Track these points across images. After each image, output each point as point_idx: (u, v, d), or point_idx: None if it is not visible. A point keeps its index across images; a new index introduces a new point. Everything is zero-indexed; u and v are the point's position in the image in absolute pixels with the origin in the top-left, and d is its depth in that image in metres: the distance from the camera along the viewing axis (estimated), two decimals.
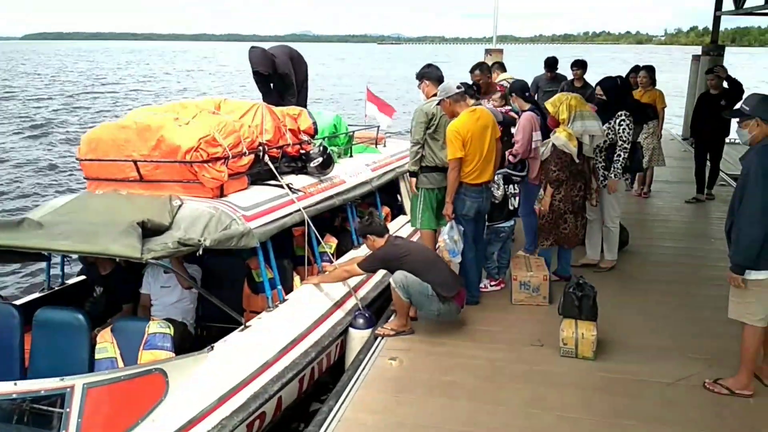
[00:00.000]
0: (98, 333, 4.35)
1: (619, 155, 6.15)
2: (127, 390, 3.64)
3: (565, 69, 10.44)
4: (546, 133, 6.16)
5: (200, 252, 4.13)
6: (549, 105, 5.87)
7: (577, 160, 5.78)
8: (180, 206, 4.44)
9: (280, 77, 7.44)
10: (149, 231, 4.03)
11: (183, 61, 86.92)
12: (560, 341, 4.82)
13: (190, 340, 4.78)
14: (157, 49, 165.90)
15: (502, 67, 8.81)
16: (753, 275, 3.99)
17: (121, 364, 4.16)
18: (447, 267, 5.29)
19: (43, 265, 5.40)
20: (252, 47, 7.38)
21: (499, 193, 5.90)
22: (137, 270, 5.17)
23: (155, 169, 4.73)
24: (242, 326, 4.44)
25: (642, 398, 4.27)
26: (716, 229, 7.97)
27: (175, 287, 4.94)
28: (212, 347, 4.10)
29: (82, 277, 5.48)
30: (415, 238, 6.59)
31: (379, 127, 8.24)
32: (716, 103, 8.93)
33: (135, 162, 4.69)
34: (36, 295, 5.15)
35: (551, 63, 9.75)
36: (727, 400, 4.20)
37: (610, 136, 6.17)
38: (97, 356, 4.22)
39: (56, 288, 5.25)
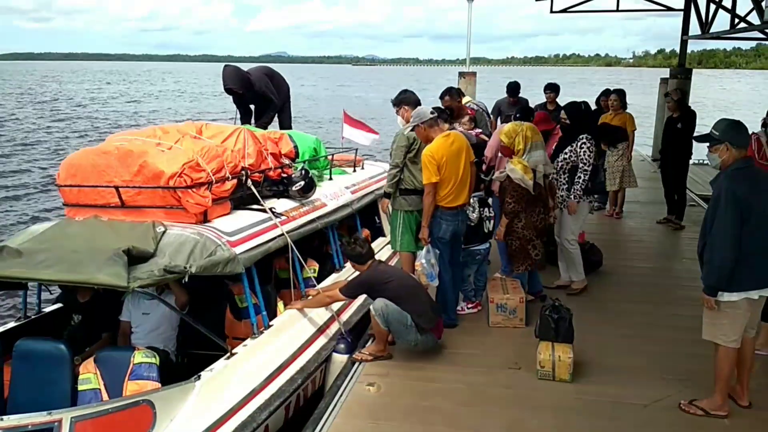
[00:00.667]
0: (81, 363, 4.28)
1: (580, 177, 6.20)
2: (115, 422, 3.59)
3: (537, 93, 10.59)
4: None
5: (186, 279, 4.08)
6: (504, 136, 5.86)
7: (534, 192, 5.83)
8: (164, 232, 4.39)
9: (256, 95, 7.42)
10: (134, 258, 3.99)
11: (161, 82, 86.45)
12: (537, 364, 4.84)
13: (172, 368, 4.71)
14: (134, 69, 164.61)
15: (460, 93, 8.80)
16: (725, 297, 4.05)
17: (104, 395, 4.11)
18: (428, 297, 5.31)
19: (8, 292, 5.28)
20: (225, 65, 7.39)
21: (474, 215, 5.93)
22: (116, 297, 5.08)
23: (137, 194, 4.68)
24: (228, 354, 4.38)
25: (619, 420, 4.31)
26: (688, 249, 8.10)
27: (156, 314, 4.86)
28: (199, 376, 4.04)
29: (59, 305, 5.37)
30: (394, 261, 6.58)
31: (357, 150, 8.26)
32: (674, 126, 9.09)
33: (117, 188, 4.64)
34: (12, 324, 5.03)
35: (513, 88, 9.79)
36: (702, 421, 4.25)
37: (572, 159, 6.23)
38: (80, 387, 4.16)
39: (33, 317, 5.13)
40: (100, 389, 4.12)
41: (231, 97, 7.68)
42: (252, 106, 7.77)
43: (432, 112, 5.60)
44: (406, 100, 6.15)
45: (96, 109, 41.51)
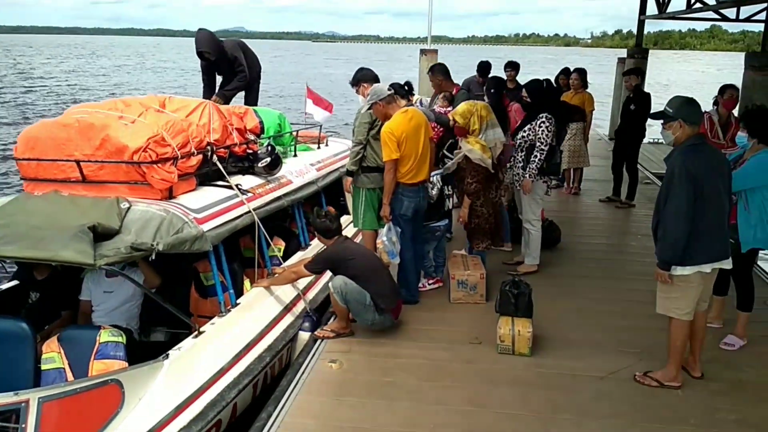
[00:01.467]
0: (42, 342, 4.19)
1: (536, 156, 6.21)
2: (83, 402, 3.54)
3: (497, 71, 10.58)
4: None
5: (153, 256, 4.02)
6: (459, 117, 5.83)
7: (492, 171, 5.87)
8: (128, 209, 4.29)
9: (230, 63, 7.28)
10: (99, 235, 3.90)
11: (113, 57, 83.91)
12: (497, 339, 4.92)
13: (135, 346, 4.64)
14: (90, 42, 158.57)
15: (444, 70, 7.92)
16: (678, 271, 4.16)
17: (69, 374, 4.03)
18: (390, 278, 5.33)
19: None
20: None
21: (434, 192, 5.95)
22: (75, 275, 4.96)
23: (99, 169, 4.55)
24: (196, 332, 4.34)
25: (577, 392, 4.41)
26: (643, 225, 8.31)
27: (118, 291, 4.78)
28: (167, 355, 4.00)
29: (15, 282, 5.21)
30: (358, 239, 6.58)
31: (321, 126, 8.19)
32: (627, 108, 9.23)
33: (78, 162, 4.50)
34: None
35: (484, 68, 9.62)
36: (656, 392, 4.39)
37: (530, 137, 6.26)
38: (43, 367, 4.07)
39: None
40: (64, 368, 4.04)
41: (198, 69, 7.51)
42: (219, 79, 7.62)
43: (389, 89, 5.58)
44: (364, 77, 6.13)
45: (54, 82, 40.11)
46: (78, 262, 3.72)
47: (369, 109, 5.63)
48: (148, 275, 4.66)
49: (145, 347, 4.65)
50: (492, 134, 5.83)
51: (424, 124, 5.60)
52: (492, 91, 6.70)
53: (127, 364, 4.00)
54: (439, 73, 7.34)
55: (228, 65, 7.33)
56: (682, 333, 4.32)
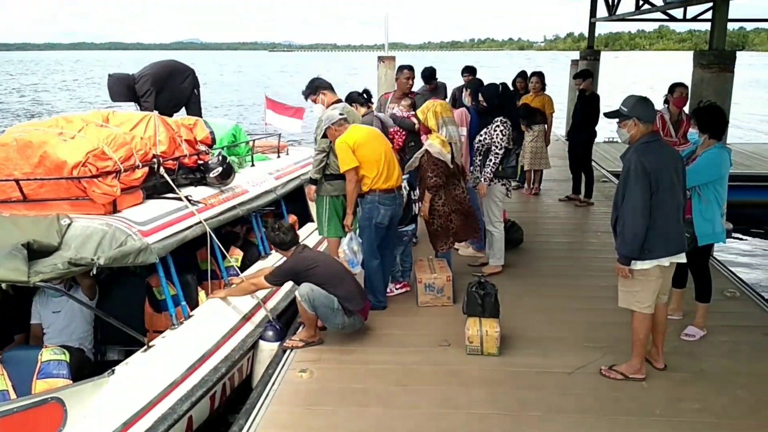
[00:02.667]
0: None
1: (491, 159, 6.26)
2: (22, 422, 3.40)
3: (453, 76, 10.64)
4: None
5: (95, 271, 3.95)
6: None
7: (452, 166, 5.93)
8: (69, 225, 4.20)
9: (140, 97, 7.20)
10: (36, 252, 3.80)
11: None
12: (466, 340, 4.93)
13: (90, 366, 4.53)
14: (42, 59, 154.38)
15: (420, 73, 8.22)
16: (638, 265, 4.23)
17: (13, 395, 3.90)
18: (354, 280, 5.29)
19: None
20: (109, 75, 7.14)
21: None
22: (28, 299, 4.84)
23: (39, 187, 4.46)
24: (145, 346, 4.25)
25: (544, 389, 4.44)
26: (602, 222, 8.46)
27: (66, 310, 4.66)
28: (113, 371, 3.91)
29: None
30: (323, 246, 6.57)
31: (280, 135, 8.14)
32: (577, 108, 9.41)
33: (17, 181, 4.39)
34: None
35: (429, 75, 8.64)
36: (622, 384, 4.44)
37: (487, 141, 6.32)
38: None
39: None
40: (7, 390, 3.91)
41: None
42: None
43: (340, 114, 5.59)
44: (321, 85, 6.15)
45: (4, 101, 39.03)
46: (11, 280, 3.64)
47: (324, 136, 5.64)
48: (82, 282, 4.58)
49: (101, 367, 4.56)
50: (452, 131, 5.89)
51: (377, 132, 5.66)
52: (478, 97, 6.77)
53: (71, 382, 3.89)
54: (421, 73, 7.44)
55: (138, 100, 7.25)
56: (644, 326, 4.39)
